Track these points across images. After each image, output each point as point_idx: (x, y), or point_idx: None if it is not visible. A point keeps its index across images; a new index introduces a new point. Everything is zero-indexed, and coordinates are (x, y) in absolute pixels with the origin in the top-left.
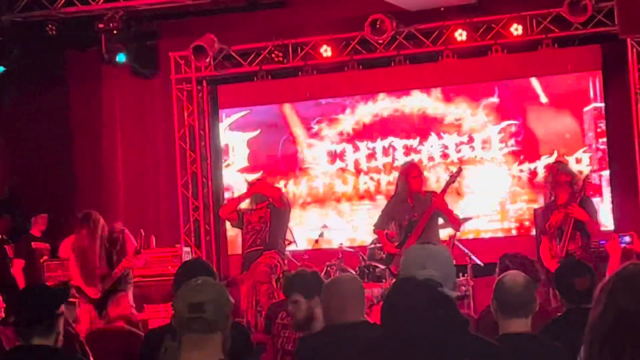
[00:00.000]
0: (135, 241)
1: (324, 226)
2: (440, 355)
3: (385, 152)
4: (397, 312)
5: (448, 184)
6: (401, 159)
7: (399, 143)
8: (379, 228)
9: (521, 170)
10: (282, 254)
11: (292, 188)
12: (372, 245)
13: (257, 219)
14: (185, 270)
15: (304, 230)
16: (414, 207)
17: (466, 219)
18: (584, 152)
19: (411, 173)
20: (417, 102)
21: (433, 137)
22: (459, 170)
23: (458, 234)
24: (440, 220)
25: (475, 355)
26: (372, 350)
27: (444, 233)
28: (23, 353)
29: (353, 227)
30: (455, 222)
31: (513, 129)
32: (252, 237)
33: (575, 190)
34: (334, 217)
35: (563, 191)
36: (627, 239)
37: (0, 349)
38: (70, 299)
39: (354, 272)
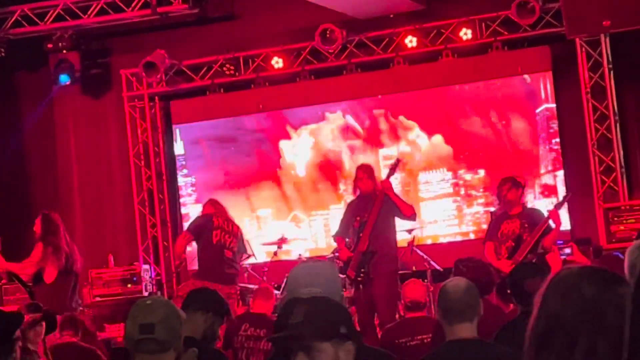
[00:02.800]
0: None
1: (282, 238)
2: None
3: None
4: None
5: (389, 173)
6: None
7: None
8: (338, 235)
9: (475, 174)
10: None
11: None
12: (332, 255)
13: None
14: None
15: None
16: (366, 207)
17: (422, 225)
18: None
19: (357, 175)
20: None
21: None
22: (397, 161)
23: (416, 238)
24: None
25: None
26: None
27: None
28: None
29: (312, 236)
30: (407, 209)
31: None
32: None
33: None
34: (292, 227)
35: (514, 205)
36: (567, 250)
37: None
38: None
39: None
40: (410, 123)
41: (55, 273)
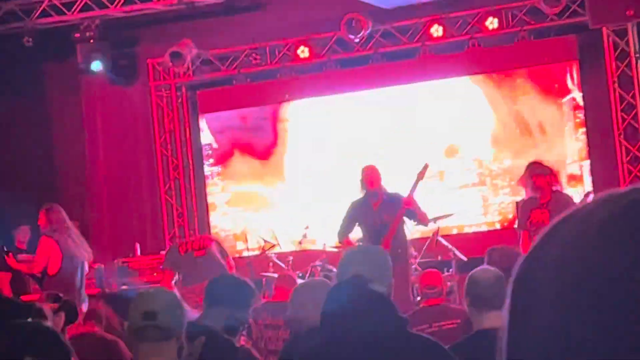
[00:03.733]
0: None
1: (307, 227)
2: (379, 355)
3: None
4: (333, 317)
5: (417, 182)
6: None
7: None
8: (345, 236)
9: (501, 164)
10: None
11: (273, 190)
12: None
13: None
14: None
15: (287, 232)
16: (379, 209)
17: (447, 215)
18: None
19: (365, 172)
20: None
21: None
22: (425, 167)
23: (440, 228)
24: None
25: (414, 352)
26: (315, 356)
27: (426, 229)
28: None
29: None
30: (424, 219)
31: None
32: None
33: (556, 188)
34: (315, 217)
35: (544, 191)
36: None
37: None
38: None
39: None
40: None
41: (59, 266)
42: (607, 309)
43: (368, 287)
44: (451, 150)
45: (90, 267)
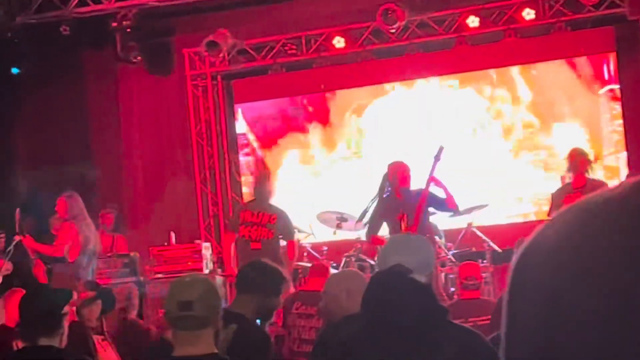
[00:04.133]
0: None
1: (342, 217)
2: (419, 344)
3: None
4: (375, 303)
5: (434, 164)
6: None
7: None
8: (373, 234)
9: (537, 154)
10: None
11: (307, 180)
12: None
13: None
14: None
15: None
16: (404, 201)
17: (482, 206)
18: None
19: (400, 168)
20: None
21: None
22: (441, 149)
23: (475, 219)
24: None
25: (453, 343)
26: (354, 342)
27: (461, 220)
28: (29, 354)
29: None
30: (452, 201)
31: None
32: None
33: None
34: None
35: (579, 176)
36: None
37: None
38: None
39: (372, 262)
40: None
41: (78, 253)
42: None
43: (409, 276)
44: (488, 139)
45: (125, 254)
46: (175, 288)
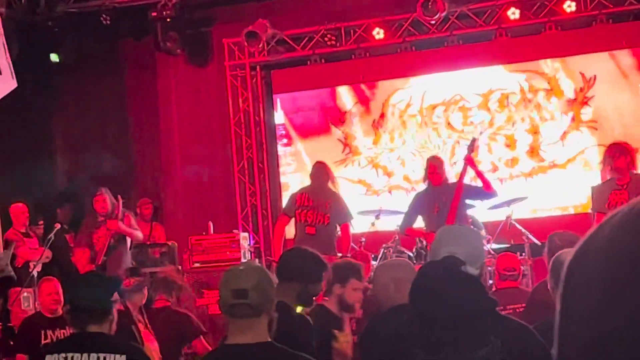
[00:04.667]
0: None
1: (380, 208)
2: (466, 335)
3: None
4: (424, 294)
5: (467, 155)
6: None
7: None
8: (407, 227)
9: (578, 149)
10: None
11: (344, 171)
12: (392, 244)
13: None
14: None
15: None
16: (440, 192)
17: (521, 198)
18: None
19: (429, 169)
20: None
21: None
22: (474, 141)
23: (514, 212)
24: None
25: (503, 336)
26: (404, 332)
27: (500, 213)
28: (77, 340)
29: None
30: (488, 185)
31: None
32: None
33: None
34: (389, 199)
35: (623, 172)
36: None
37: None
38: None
39: (411, 254)
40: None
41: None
42: None
43: (460, 267)
44: (530, 133)
45: (163, 244)
46: (230, 276)
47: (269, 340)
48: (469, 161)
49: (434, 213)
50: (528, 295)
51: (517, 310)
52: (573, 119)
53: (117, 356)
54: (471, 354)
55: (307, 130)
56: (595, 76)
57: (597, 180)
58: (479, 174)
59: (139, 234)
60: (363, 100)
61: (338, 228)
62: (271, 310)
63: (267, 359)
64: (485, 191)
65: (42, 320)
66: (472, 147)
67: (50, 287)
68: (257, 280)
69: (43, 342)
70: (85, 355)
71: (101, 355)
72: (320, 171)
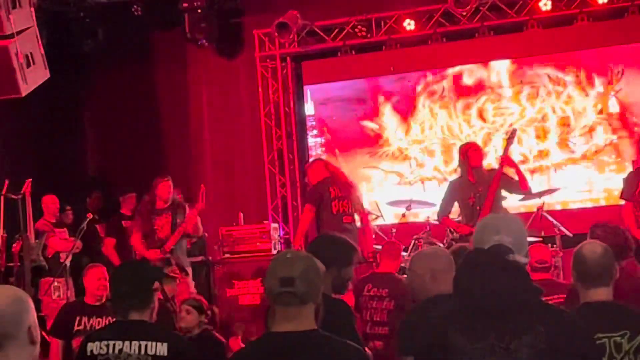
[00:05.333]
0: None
1: (411, 200)
2: (513, 324)
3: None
4: (469, 282)
5: (507, 145)
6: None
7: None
8: (444, 215)
9: (608, 140)
10: None
11: (377, 162)
12: (424, 234)
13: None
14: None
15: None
16: (477, 183)
17: (552, 190)
18: None
19: (471, 147)
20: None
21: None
22: (514, 131)
23: (545, 204)
24: (504, 193)
25: (547, 323)
26: (447, 320)
27: (531, 204)
28: (120, 328)
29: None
30: (524, 181)
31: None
32: None
33: None
34: (419, 190)
35: None
36: None
37: None
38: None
39: (441, 245)
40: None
41: None
42: None
43: (508, 255)
44: (560, 125)
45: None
46: (276, 264)
47: (316, 328)
48: (507, 160)
49: (469, 203)
50: (561, 287)
51: (552, 302)
52: (601, 111)
53: (159, 344)
54: (516, 342)
55: (337, 122)
56: (623, 69)
57: (626, 172)
58: (518, 172)
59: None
60: (394, 92)
61: None
62: (317, 298)
63: (314, 346)
64: (521, 188)
65: (81, 307)
66: (512, 138)
67: (99, 273)
68: (304, 268)
69: (76, 328)
70: (127, 343)
71: (142, 343)
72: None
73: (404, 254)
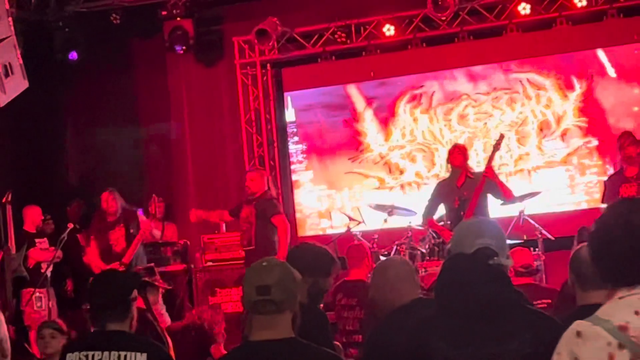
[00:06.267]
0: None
1: (392, 205)
2: (498, 330)
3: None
4: (451, 288)
5: (493, 152)
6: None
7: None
8: (429, 217)
9: (589, 142)
10: None
11: (357, 167)
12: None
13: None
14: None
15: (373, 210)
16: (462, 187)
17: (534, 193)
18: None
19: (453, 152)
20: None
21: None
22: (501, 137)
23: (526, 207)
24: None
25: (533, 329)
26: (428, 327)
27: (513, 208)
28: (98, 338)
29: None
30: (508, 193)
31: (580, 103)
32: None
33: None
34: (400, 196)
35: (633, 163)
36: None
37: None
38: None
39: (424, 251)
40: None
41: None
42: None
43: (493, 259)
44: (540, 128)
45: (175, 242)
46: (252, 273)
47: (293, 336)
48: (490, 172)
49: (454, 206)
50: (546, 292)
51: (536, 307)
52: (581, 115)
53: (138, 354)
54: (501, 348)
55: (318, 128)
56: (602, 72)
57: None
58: (500, 185)
59: (158, 233)
60: (374, 97)
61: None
62: (294, 306)
63: (291, 354)
64: (504, 195)
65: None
66: (499, 144)
67: None
68: (280, 276)
69: None
70: (106, 353)
71: (122, 354)
72: None
73: (381, 257)
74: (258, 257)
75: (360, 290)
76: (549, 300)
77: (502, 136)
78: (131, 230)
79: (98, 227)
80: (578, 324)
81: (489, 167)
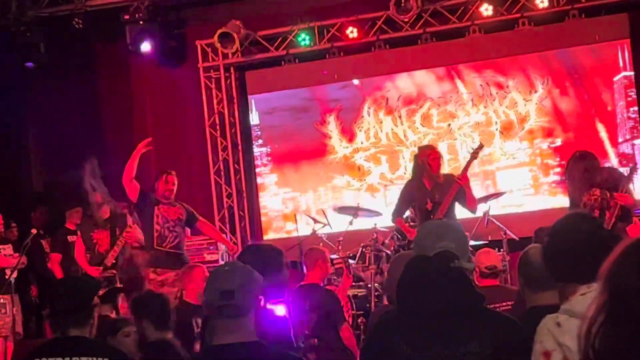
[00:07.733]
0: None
1: (357, 207)
2: (459, 332)
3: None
4: (412, 289)
5: (470, 160)
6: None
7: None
8: (398, 216)
9: (552, 143)
10: None
11: (322, 169)
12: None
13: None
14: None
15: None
16: (433, 189)
17: (498, 194)
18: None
19: (431, 155)
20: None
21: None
22: (480, 146)
23: (491, 208)
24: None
25: (492, 330)
26: (389, 326)
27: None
28: (59, 344)
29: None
30: (473, 203)
31: (544, 103)
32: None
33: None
34: (366, 197)
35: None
36: None
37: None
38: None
39: (389, 252)
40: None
41: None
42: None
43: (454, 262)
44: (503, 130)
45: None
46: (215, 277)
47: (256, 339)
48: (465, 180)
49: (426, 208)
50: (511, 293)
51: (501, 309)
52: (543, 115)
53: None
54: (462, 349)
55: (283, 131)
56: (565, 72)
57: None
58: (469, 194)
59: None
60: (338, 100)
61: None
62: (257, 309)
63: (255, 357)
64: (468, 205)
65: (192, 308)
66: (477, 152)
67: (204, 272)
68: (243, 280)
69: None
70: (67, 359)
71: (83, 359)
72: None
73: (351, 261)
74: None
75: (312, 294)
76: (512, 302)
77: (481, 145)
78: (117, 232)
79: (85, 225)
80: (555, 317)
81: (464, 175)
